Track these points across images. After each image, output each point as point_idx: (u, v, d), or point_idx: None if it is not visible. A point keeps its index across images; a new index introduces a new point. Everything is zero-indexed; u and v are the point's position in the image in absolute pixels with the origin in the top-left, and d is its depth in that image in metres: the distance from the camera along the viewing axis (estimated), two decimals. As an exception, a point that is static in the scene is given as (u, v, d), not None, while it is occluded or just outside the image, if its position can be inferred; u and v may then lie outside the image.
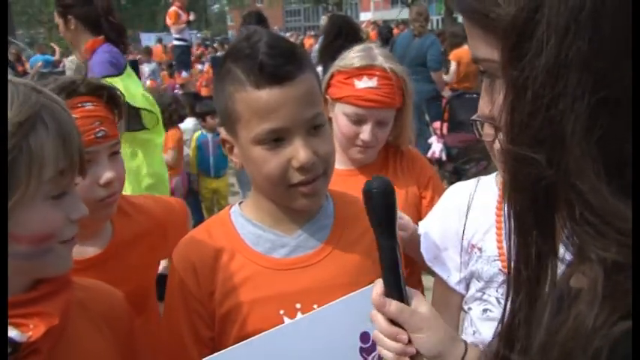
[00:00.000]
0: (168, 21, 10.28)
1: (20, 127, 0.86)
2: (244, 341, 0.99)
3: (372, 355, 1.06)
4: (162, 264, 1.62)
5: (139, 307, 1.34)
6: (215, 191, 5.61)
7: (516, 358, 0.62)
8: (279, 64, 1.07)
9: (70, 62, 6.82)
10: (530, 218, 0.58)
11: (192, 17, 10.81)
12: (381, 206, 0.91)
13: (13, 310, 0.90)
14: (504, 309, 0.64)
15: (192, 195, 5.54)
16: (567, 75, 0.52)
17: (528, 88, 0.54)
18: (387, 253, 0.92)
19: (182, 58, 10.67)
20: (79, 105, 1.27)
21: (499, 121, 0.60)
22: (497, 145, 0.66)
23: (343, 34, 4.45)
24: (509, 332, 0.63)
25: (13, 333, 0.88)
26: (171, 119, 5.22)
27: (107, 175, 1.29)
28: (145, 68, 10.58)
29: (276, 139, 1.09)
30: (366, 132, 1.67)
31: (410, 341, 0.90)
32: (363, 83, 1.66)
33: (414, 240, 1.58)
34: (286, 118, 1.07)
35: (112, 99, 1.33)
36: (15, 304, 0.91)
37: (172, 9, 10.20)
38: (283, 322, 1.13)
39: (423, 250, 1.55)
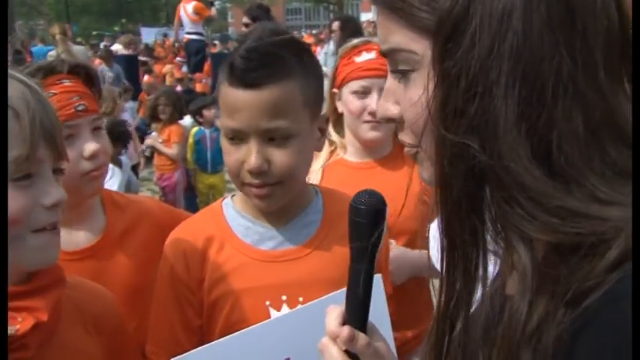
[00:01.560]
0: (192, 15, 10.11)
1: None
2: (224, 337, 0.98)
3: None
4: None
5: (133, 306, 1.32)
6: (211, 186, 5.64)
7: (462, 339, 0.62)
8: (249, 68, 1.09)
9: (51, 57, 6.79)
10: (466, 203, 0.59)
11: (213, 12, 10.75)
12: (365, 226, 0.78)
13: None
14: (440, 292, 0.64)
15: (189, 190, 5.57)
16: (500, 65, 0.55)
17: (462, 77, 0.56)
18: (360, 278, 0.79)
19: (200, 53, 10.54)
20: (57, 82, 1.29)
21: (419, 114, 0.62)
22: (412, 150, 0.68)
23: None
24: (447, 315, 0.63)
25: None
26: (175, 115, 5.27)
27: (91, 146, 1.29)
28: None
29: (235, 137, 1.13)
30: (372, 101, 1.68)
31: None
32: (363, 57, 1.74)
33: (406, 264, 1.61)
34: (244, 121, 1.10)
35: (88, 77, 1.35)
36: None
37: (194, 3, 10.06)
38: (269, 313, 1.15)
39: (432, 250, 1.53)
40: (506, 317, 0.56)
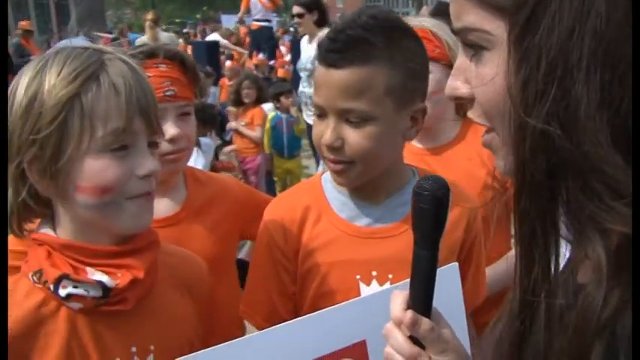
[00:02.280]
0: (266, 2, 10.21)
1: (72, 82, 0.92)
2: (245, 337, 0.99)
3: None
4: (243, 251, 1.67)
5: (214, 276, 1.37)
6: (288, 171, 5.71)
7: (541, 330, 0.61)
8: (332, 49, 1.13)
9: (140, 42, 7.04)
10: (546, 191, 0.57)
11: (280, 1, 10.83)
12: (427, 211, 0.78)
13: (103, 260, 0.98)
14: (516, 279, 0.63)
15: (267, 174, 5.69)
16: (581, 48, 0.53)
17: (542, 60, 0.55)
18: (422, 263, 0.80)
19: (271, 41, 10.65)
20: (154, 66, 1.36)
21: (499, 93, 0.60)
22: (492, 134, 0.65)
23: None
24: (526, 305, 0.62)
25: (103, 278, 0.95)
26: (258, 99, 5.41)
27: (171, 131, 1.35)
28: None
29: (319, 112, 1.18)
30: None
31: None
32: None
33: None
34: (323, 98, 1.15)
35: (184, 65, 1.41)
36: (105, 255, 0.99)
37: None
38: (358, 287, 1.19)
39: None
40: (580, 306, 0.55)
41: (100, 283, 0.95)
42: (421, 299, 0.81)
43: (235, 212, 1.51)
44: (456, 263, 1.08)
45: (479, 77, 0.63)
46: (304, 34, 5.38)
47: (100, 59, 0.95)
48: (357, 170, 1.17)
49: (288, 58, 10.39)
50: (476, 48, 0.63)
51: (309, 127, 5.11)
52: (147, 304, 1.04)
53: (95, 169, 0.93)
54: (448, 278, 1.07)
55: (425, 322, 0.79)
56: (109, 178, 0.94)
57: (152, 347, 1.04)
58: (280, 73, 9.58)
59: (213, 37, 11.50)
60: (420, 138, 1.72)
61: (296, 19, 5.20)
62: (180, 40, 9.83)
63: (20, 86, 0.94)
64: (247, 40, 11.86)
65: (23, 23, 10.86)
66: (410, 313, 0.79)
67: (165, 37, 7.08)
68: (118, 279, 0.96)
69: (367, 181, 1.21)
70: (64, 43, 9.05)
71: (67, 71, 0.92)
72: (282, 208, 1.31)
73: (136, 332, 1.03)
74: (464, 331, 1.07)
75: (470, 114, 0.68)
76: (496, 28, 0.60)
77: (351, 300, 1.03)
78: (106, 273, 0.96)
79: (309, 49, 5.16)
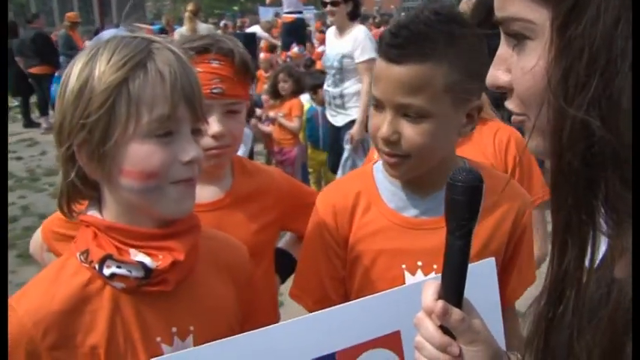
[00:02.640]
0: None
1: (120, 69, 0.95)
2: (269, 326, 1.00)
3: None
4: (282, 241, 1.68)
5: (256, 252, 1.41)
6: (323, 163, 5.70)
7: (568, 318, 0.61)
8: (393, 44, 1.13)
9: (179, 34, 7.13)
10: (584, 181, 0.57)
11: None
12: (461, 203, 0.80)
13: (145, 242, 1.01)
14: (550, 270, 0.63)
15: (302, 166, 5.72)
16: (626, 38, 0.52)
17: (585, 50, 0.54)
18: (455, 254, 0.81)
19: (298, 32, 10.66)
20: (206, 61, 1.36)
21: (540, 84, 0.59)
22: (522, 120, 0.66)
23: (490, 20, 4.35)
24: (556, 292, 0.62)
25: (145, 259, 0.99)
26: (296, 90, 5.41)
27: (214, 127, 1.36)
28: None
29: (377, 105, 1.20)
30: None
31: (459, 354, 0.81)
32: None
33: None
34: (382, 91, 1.17)
35: (241, 63, 1.40)
36: (148, 238, 1.02)
37: None
38: (404, 276, 1.23)
39: None
40: (614, 301, 0.55)
41: (142, 264, 0.98)
42: (453, 289, 0.81)
43: (278, 204, 1.53)
44: (493, 258, 1.09)
45: (520, 67, 0.63)
46: (333, 26, 5.00)
47: (148, 47, 0.98)
48: (410, 164, 1.20)
49: (320, 49, 10.38)
50: (518, 37, 0.63)
51: (332, 126, 5.02)
52: (188, 287, 1.07)
53: (140, 154, 0.96)
54: (484, 273, 1.08)
55: (456, 312, 0.80)
56: (154, 164, 0.97)
57: (192, 328, 1.07)
58: (319, 65, 9.59)
59: (254, 29, 11.57)
60: None
61: (329, 8, 4.75)
62: (219, 32, 9.90)
63: (72, 73, 0.97)
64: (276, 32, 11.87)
65: (70, 15, 11.07)
66: (441, 303, 0.80)
67: (203, 28, 7.13)
68: (159, 261, 0.99)
69: (419, 174, 1.23)
70: (106, 33, 9.25)
71: (116, 58, 0.95)
72: (334, 196, 1.36)
73: (177, 313, 1.05)
74: (499, 325, 1.08)
75: (507, 103, 0.68)
76: (539, 17, 0.59)
77: (387, 290, 1.04)
78: (148, 255, 0.99)
79: (336, 45, 4.84)
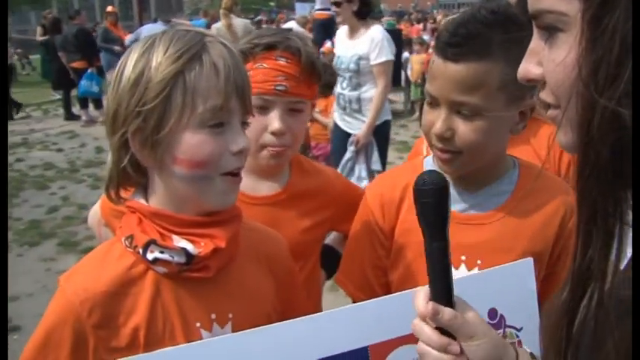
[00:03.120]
0: None
1: (177, 61, 0.97)
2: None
3: (497, 332, 1.05)
4: (330, 238, 1.69)
5: (297, 260, 1.41)
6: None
7: (592, 311, 0.60)
8: (450, 43, 1.14)
9: (215, 29, 7.19)
10: (612, 173, 0.56)
11: None
12: (431, 205, 0.82)
13: (188, 229, 1.04)
14: (574, 263, 0.62)
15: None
16: None
17: (616, 41, 0.54)
18: (435, 256, 0.83)
19: (332, 29, 10.63)
20: (273, 58, 1.37)
21: (570, 76, 0.59)
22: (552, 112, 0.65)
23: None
24: (579, 283, 0.61)
25: (188, 246, 1.01)
26: (329, 86, 5.41)
27: (275, 124, 1.37)
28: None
29: (431, 101, 1.20)
30: None
31: (461, 351, 0.81)
32: None
33: None
34: (437, 89, 1.18)
35: (307, 62, 1.39)
36: (191, 225, 1.04)
37: None
38: None
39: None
40: None
41: (184, 250, 1.00)
42: (440, 290, 0.83)
43: (332, 204, 1.54)
44: (531, 259, 1.09)
45: (551, 59, 0.63)
46: (342, 25, 4.59)
47: (202, 41, 1.01)
48: (463, 160, 1.20)
49: None
50: (550, 30, 0.63)
51: (342, 132, 4.66)
52: (228, 275, 1.08)
53: (192, 143, 0.99)
54: (521, 273, 1.08)
55: (447, 311, 0.81)
56: (205, 153, 0.99)
57: (230, 315, 1.08)
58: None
59: (290, 24, 11.60)
60: None
61: (333, 8, 4.46)
62: (254, 28, 9.96)
63: (128, 63, 1.00)
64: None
65: (110, 9, 11.30)
66: (431, 305, 0.81)
67: (239, 23, 7.18)
68: (201, 247, 1.01)
69: (470, 170, 1.24)
70: (146, 28, 9.39)
71: (173, 50, 0.98)
72: (383, 186, 1.38)
73: (216, 300, 1.07)
74: (535, 326, 1.07)
75: (541, 95, 0.69)
76: (571, 8, 0.59)
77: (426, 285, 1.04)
78: (191, 241, 1.02)
79: (350, 46, 4.48)
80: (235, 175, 1.05)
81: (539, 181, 1.28)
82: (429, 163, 1.33)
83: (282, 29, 1.50)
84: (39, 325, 1.02)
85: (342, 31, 4.67)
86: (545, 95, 0.67)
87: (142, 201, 1.06)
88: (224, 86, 0.99)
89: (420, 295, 0.84)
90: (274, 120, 1.37)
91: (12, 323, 3.85)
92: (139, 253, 1.01)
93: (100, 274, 1.02)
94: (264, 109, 1.38)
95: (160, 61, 0.97)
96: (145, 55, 0.99)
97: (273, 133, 1.37)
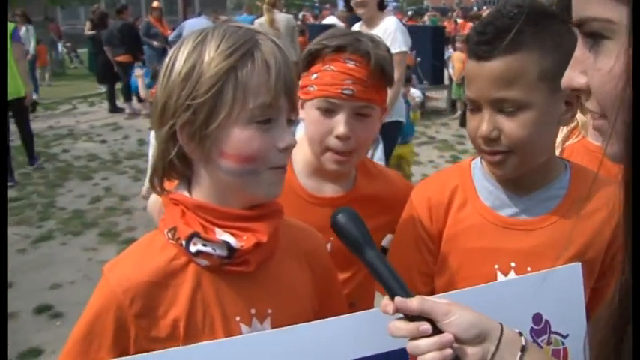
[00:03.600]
0: None
1: (230, 56, 0.97)
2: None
3: (542, 337, 1.05)
4: (386, 239, 1.67)
5: (345, 263, 1.40)
6: (400, 157, 5.67)
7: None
8: (481, 42, 1.12)
9: (258, 24, 7.21)
10: None
11: None
12: (351, 230, 0.93)
13: (231, 223, 1.03)
14: (622, 273, 0.60)
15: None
16: None
17: None
18: (374, 261, 0.90)
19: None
20: (342, 60, 1.35)
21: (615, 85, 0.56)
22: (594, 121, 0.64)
23: None
24: (626, 298, 0.58)
25: (230, 239, 1.01)
26: None
27: (340, 129, 1.35)
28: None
29: (473, 106, 1.18)
30: None
31: (439, 330, 0.83)
32: None
33: None
34: (476, 91, 1.15)
35: (377, 66, 1.35)
36: (234, 218, 1.04)
37: None
38: (496, 276, 1.20)
39: None
40: None
41: (227, 243, 1.00)
42: (395, 286, 0.88)
43: (394, 209, 1.51)
44: (579, 263, 1.07)
45: (597, 68, 0.61)
46: (364, 19, 4.41)
47: (254, 38, 1.01)
48: (515, 160, 1.17)
49: None
50: (596, 38, 0.61)
51: None
52: (267, 269, 1.08)
53: (241, 138, 0.99)
54: (569, 277, 1.06)
55: (413, 300, 0.85)
56: (253, 149, 0.99)
57: (270, 311, 1.08)
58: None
59: (330, 20, 11.58)
60: (596, 134, 1.69)
61: (359, 11, 4.34)
62: (298, 23, 10.01)
63: (180, 56, 1.00)
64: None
65: (155, 4, 11.51)
66: (397, 298, 0.86)
67: (282, 18, 7.19)
68: (243, 241, 1.01)
69: (523, 171, 1.20)
70: (189, 22, 9.51)
71: (225, 46, 0.98)
72: (430, 189, 1.35)
73: (256, 295, 1.07)
74: (582, 333, 1.05)
75: (587, 104, 0.66)
76: (618, 16, 0.57)
77: (473, 287, 1.02)
78: (233, 235, 1.02)
79: None
80: (282, 167, 1.05)
81: (592, 187, 1.23)
82: (477, 165, 1.30)
83: (354, 31, 1.47)
84: (84, 313, 1.03)
85: (358, 26, 4.55)
86: (590, 105, 0.65)
87: (186, 193, 1.07)
88: (274, 83, 0.99)
89: (385, 302, 0.88)
90: (340, 124, 1.35)
91: (55, 310, 3.95)
92: (181, 245, 1.02)
93: (142, 264, 1.03)
94: (330, 112, 1.36)
95: (212, 56, 0.98)
96: (197, 49, 0.99)
97: (338, 138, 1.35)
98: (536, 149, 1.17)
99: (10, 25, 6.57)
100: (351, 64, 1.34)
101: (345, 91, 1.33)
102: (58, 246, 5.10)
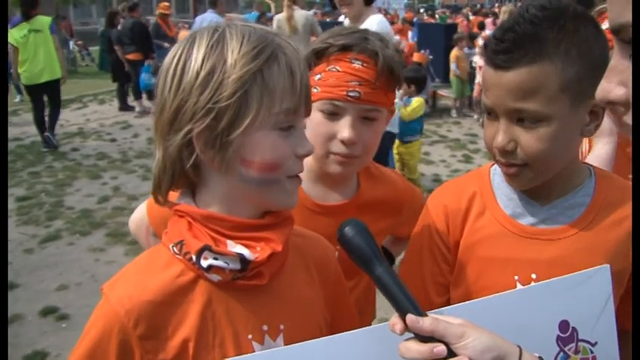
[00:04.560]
0: None
1: (256, 58, 0.91)
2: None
3: (569, 346, 1.00)
4: (385, 240, 1.63)
5: (355, 271, 1.35)
6: (402, 156, 5.72)
7: None
8: (499, 50, 1.05)
9: (277, 20, 7.16)
10: None
11: None
12: (359, 244, 0.89)
13: (243, 233, 0.97)
14: None
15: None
16: None
17: None
18: (384, 279, 0.86)
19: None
20: (347, 60, 1.28)
21: None
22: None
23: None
24: None
25: (244, 251, 0.94)
26: None
27: (344, 133, 1.27)
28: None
29: (490, 114, 1.11)
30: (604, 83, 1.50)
31: (454, 354, 0.79)
32: (604, 25, 1.49)
33: None
34: (493, 100, 1.08)
35: (385, 67, 1.28)
36: (246, 228, 0.98)
37: None
38: (516, 287, 1.14)
39: None
40: None
41: (240, 256, 0.94)
42: (405, 306, 0.83)
43: (397, 212, 1.48)
44: (608, 265, 1.02)
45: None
46: (349, 17, 4.21)
47: (274, 39, 0.96)
48: (530, 174, 1.11)
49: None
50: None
51: None
52: (278, 282, 1.03)
53: (266, 145, 0.94)
54: (597, 281, 1.01)
55: (425, 318, 0.81)
56: (277, 155, 0.95)
57: (282, 327, 1.02)
58: (416, 57, 9.43)
59: (341, 18, 11.52)
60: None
61: (343, 10, 4.16)
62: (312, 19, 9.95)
63: (195, 56, 0.93)
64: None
65: (161, 6, 11.53)
66: (408, 317, 0.81)
67: (300, 15, 7.10)
68: (257, 252, 0.95)
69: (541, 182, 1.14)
70: (198, 19, 9.46)
71: (249, 47, 0.92)
72: (447, 196, 1.28)
73: (268, 310, 1.01)
74: (612, 341, 1.01)
75: (626, 119, 0.60)
76: None
77: (483, 298, 0.98)
78: (246, 246, 0.95)
79: None
80: (297, 176, 1.01)
81: (618, 192, 1.17)
82: (497, 171, 1.23)
83: (362, 29, 1.36)
84: (83, 336, 0.96)
85: (346, 23, 4.41)
86: (630, 119, 0.60)
87: (192, 204, 1.00)
88: (299, 89, 0.95)
89: (394, 320, 0.84)
90: (344, 128, 1.27)
91: (61, 312, 3.91)
92: (190, 260, 0.95)
93: (146, 282, 0.96)
94: (334, 115, 1.28)
95: (236, 58, 0.91)
96: (214, 49, 0.92)
97: (342, 142, 1.28)
98: (553, 163, 1.10)
99: (48, 19, 7.98)
100: (357, 65, 1.26)
101: (351, 94, 1.25)
102: (65, 246, 5.06)
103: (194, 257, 0.94)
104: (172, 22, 11.92)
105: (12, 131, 9.13)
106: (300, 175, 1.38)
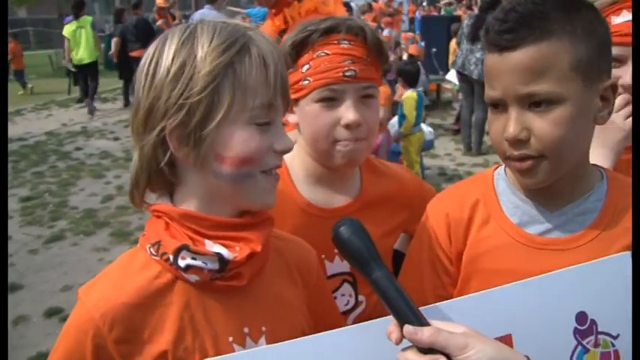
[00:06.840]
0: None
1: (226, 51, 0.90)
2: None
3: (587, 339, 0.94)
4: (397, 241, 1.57)
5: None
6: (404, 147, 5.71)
7: None
8: (503, 30, 0.99)
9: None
10: None
11: None
12: (355, 244, 0.84)
13: (222, 232, 0.95)
14: None
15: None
16: None
17: None
18: (384, 284, 0.81)
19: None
20: (335, 42, 1.24)
21: None
22: None
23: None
24: None
25: (223, 251, 0.93)
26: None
27: (349, 116, 1.23)
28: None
29: (498, 106, 1.03)
30: (627, 73, 1.37)
31: None
32: (622, 18, 1.41)
33: None
34: (500, 88, 1.01)
35: (373, 42, 1.27)
36: (224, 227, 0.96)
37: None
38: None
39: None
40: None
41: (219, 256, 0.92)
42: (404, 313, 0.79)
43: (406, 207, 1.42)
44: (629, 252, 0.95)
45: None
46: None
47: (246, 33, 0.94)
48: (547, 166, 1.02)
49: (386, 33, 10.16)
50: None
51: None
52: (259, 284, 1.01)
53: (239, 139, 0.92)
54: (617, 270, 0.94)
55: (424, 329, 0.77)
56: (251, 150, 0.93)
57: (264, 329, 1.01)
58: (411, 50, 9.39)
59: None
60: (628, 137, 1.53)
61: None
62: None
63: (166, 53, 0.92)
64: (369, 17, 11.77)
65: (159, 1, 11.52)
66: (405, 327, 0.77)
67: None
68: (236, 252, 0.94)
69: (555, 180, 1.05)
70: (196, 14, 9.43)
71: (219, 41, 0.91)
72: (448, 204, 1.20)
73: (248, 312, 1.00)
74: (628, 322, 0.93)
75: None
76: None
77: (497, 287, 0.92)
78: (224, 245, 0.94)
79: None
80: (273, 174, 0.99)
81: (630, 198, 1.08)
82: (501, 175, 1.17)
83: (337, 17, 1.33)
84: (58, 341, 0.96)
85: None
86: None
87: (169, 203, 0.98)
88: (273, 81, 0.93)
89: (390, 329, 0.80)
90: (348, 111, 1.23)
91: (65, 313, 3.90)
92: (167, 260, 0.93)
93: (122, 285, 0.95)
94: (333, 101, 1.24)
95: (206, 52, 0.90)
96: (185, 45, 0.91)
97: (347, 126, 1.24)
98: (571, 152, 1.02)
99: (89, 18, 10.74)
100: (346, 44, 1.23)
101: (347, 73, 1.22)
102: (69, 246, 5.06)
103: (171, 257, 0.93)
104: (171, 17, 11.85)
105: (16, 131, 9.15)
106: (299, 181, 1.37)
